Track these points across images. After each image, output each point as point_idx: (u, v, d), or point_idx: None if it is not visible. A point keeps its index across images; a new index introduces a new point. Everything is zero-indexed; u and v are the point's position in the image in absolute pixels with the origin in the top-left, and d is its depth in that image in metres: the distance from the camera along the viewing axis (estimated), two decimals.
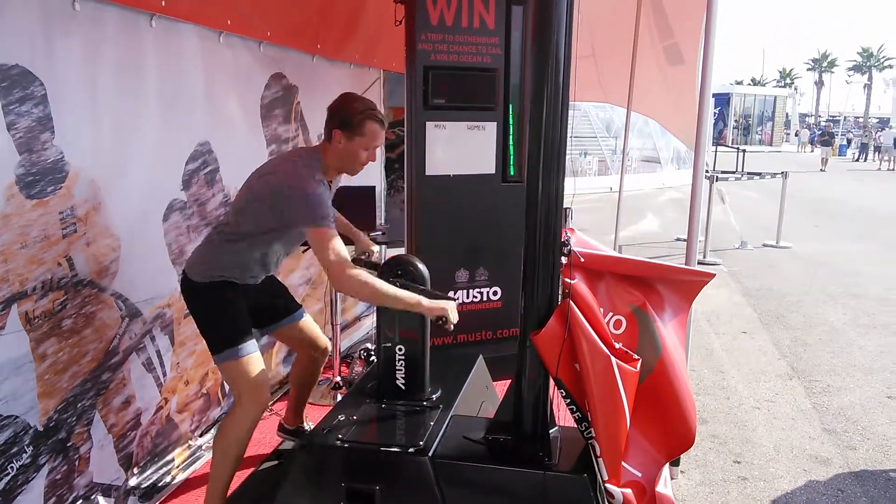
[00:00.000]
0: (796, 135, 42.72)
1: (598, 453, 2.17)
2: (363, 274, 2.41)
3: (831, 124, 33.59)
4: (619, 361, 2.12)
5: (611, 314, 2.31)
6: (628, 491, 2.15)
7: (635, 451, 2.23)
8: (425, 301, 2.45)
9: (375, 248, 3.18)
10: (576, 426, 2.25)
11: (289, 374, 3.47)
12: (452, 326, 2.47)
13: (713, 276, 2.44)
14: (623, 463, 2.18)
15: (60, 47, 2.41)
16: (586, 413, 2.20)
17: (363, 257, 3.09)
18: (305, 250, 2.42)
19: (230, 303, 2.62)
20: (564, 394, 2.24)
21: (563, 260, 2.26)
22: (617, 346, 2.20)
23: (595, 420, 2.15)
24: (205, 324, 2.65)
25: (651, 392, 2.25)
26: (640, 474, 2.22)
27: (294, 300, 2.99)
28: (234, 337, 2.57)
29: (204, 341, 2.65)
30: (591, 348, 2.13)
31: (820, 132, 31.14)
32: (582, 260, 2.25)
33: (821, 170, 25.21)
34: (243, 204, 2.60)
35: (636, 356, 2.19)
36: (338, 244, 2.39)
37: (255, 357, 2.60)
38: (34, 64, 2.29)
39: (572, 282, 2.23)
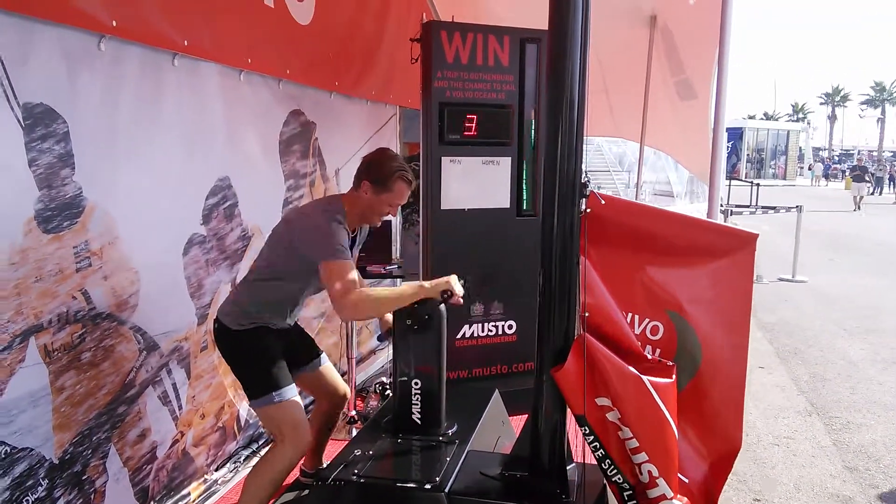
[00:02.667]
0: (810, 168, 42.67)
1: (635, 482, 2.12)
2: (362, 291, 2.43)
3: (863, 158, 29.27)
4: (650, 379, 2.06)
5: (647, 321, 2.24)
6: (685, 500, 2.12)
7: (680, 457, 2.17)
8: (426, 284, 2.50)
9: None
10: (593, 463, 2.23)
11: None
12: (461, 299, 2.49)
13: (757, 236, 2.24)
14: None
15: (84, 85, 2.46)
16: (609, 452, 2.16)
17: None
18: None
19: (268, 347, 2.66)
20: (587, 431, 2.18)
21: (583, 204, 2.18)
22: (650, 355, 2.16)
23: (643, 442, 2.09)
24: (244, 370, 2.68)
25: (692, 397, 2.20)
26: (686, 480, 2.19)
27: (316, 346, 3.01)
28: (274, 382, 2.60)
29: (222, 378, 2.67)
30: (618, 373, 2.08)
31: (851, 167, 27.04)
32: (602, 202, 2.18)
33: (855, 209, 22.24)
34: (270, 249, 2.71)
35: (671, 363, 2.13)
36: (347, 273, 2.41)
37: (296, 401, 2.64)
38: (57, 102, 2.35)
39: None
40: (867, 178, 26.27)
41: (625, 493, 2.17)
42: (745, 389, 2.23)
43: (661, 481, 2.10)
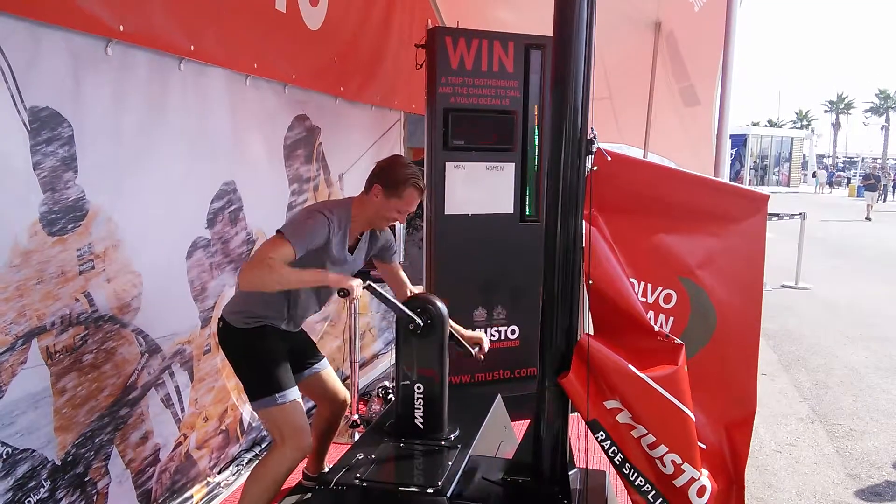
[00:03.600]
0: (814, 175, 42.61)
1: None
2: (266, 265, 2.35)
3: (877, 166, 26.66)
4: (653, 375, 2.03)
5: (660, 289, 2.21)
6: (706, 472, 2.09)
7: (698, 424, 2.14)
8: (329, 274, 2.45)
9: (486, 343, 3.06)
10: (595, 469, 2.23)
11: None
12: (356, 300, 2.43)
13: (768, 197, 2.23)
14: None
15: (90, 90, 2.48)
16: (627, 454, 2.11)
17: (473, 351, 2.98)
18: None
19: (272, 348, 2.66)
20: (603, 436, 2.12)
21: (589, 160, 2.15)
22: (663, 325, 2.14)
23: (660, 435, 2.06)
24: (246, 369, 2.67)
25: (707, 363, 2.17)
26: (704, 447, 2.16)
27: (317, 350, 3.01)
28: (277, 383, 2.60)
29: (225, 381, 2.67)
30: (621, 375, 2.06)
31: (864, 176, 25.24)
32: (608, 158, 2.15)
33: (866, 218, 21.30)
34: None
35: (678, 341, 2.09)
36: (274, 249, 2.37)
37: (298, 403, 2.63)
38: (63, 106, 2.36)
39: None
40: (878, 188, 25.02)
41: (650, 497, 2.12)
42: (758, 352, 2.24)
43: (686, 467, 2.06)
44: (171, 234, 3.00)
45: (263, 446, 3.71)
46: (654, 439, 2.07)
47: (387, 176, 2.63)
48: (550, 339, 2.26)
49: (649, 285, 2.20)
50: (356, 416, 4.06)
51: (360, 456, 2.54)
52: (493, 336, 4.26)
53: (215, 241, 3.28)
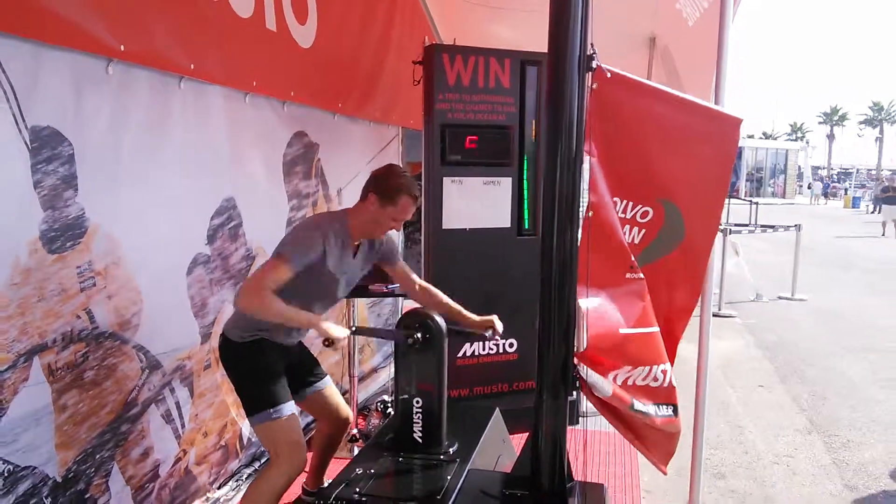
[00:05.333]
0: (809, 187, 42.77)
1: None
2: (269, 293, 2.41)
3: (895, 178, 24.75)
4: (636, 327, 2.38)
5: (639, 206, 2.44)
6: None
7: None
8: (320, 322, 2.47)
9: (498, 325, 3.00)
10: (594, 482, 2.26)
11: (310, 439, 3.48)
12: (339, 345, 2.56)
13: (741, 120, 2.51)
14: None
15: (91, 109, 2.51)
16: (646, 399, 2.43)
17: (487, 335, 2.98)
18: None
19: (268, 363, 2.67)
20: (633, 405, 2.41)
21: (589, 77, 2.24)
22: (636, 237, 2.44)
23: (648, 361, 2.42)
24: (242, 384, 2.68)
25: (667, 268, 2.50)
26: (657, 328, 2.47)
27: (320, 367, 3.01)
28: (272, 398, 2.61)
29: (225, 396, 2.67)
30: (616, 345, 2.41)
31: (883, 188, 22.68)
32: (608, 75, 2.27)
33: (883, 235, 19.66)
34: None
35: (640, 276, 2.40)
36: (273, 271, 2.44)
37: (293, 418, 2.63)
38: (64, 125, 2.39)
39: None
40: None
41: (664, 412, 2.45)
42: (709, 259, 2.63)
43: (666, 366, 2.41)
44: (172, 251, 3.02)
45: (262, 461, 3.71)
46: (648, 369, 2.38)
47: (381, 184, 2.66)
48: (548, 353, 2.28)
49: (630, 203, 2.44)
50: (355, 431, 4.07)
51: (359, 471, 2.55)
52: (492, 349, 4.27)
53: (215, 258, 3.30)
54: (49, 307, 2.38)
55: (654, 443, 2.54)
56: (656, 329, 2.42)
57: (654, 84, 2.57)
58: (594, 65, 2.22)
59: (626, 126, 2.38)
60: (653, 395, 2.44)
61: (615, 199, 2.41)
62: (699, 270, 2.63)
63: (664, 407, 2.45)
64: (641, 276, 2.39)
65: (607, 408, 2.44)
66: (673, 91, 2.44)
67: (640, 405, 2.41)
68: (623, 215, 2.45)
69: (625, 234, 2.45)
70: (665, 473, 2.71)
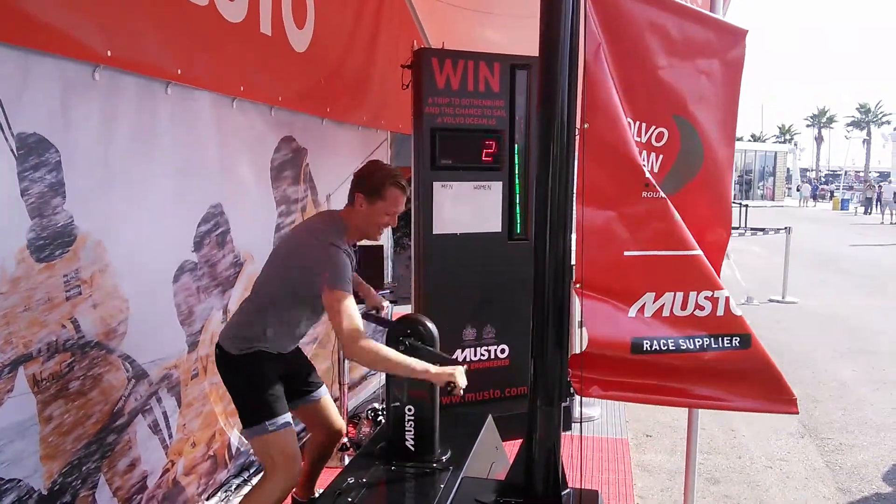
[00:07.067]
0: (798, 189, 43.03)
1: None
2: (373, 344, 2.44)
3: None
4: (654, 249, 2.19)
5: (653, 128, 2.30)
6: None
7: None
8: (433, 369, 2.46)
9: (385, 303, 3.20)
10: (588, 489, 2.23)
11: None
12: (462, 391, 2.47)
13: (746, 31, 2.39)
14: None
15: (78, 115, 2.47)
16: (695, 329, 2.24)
17: (372, 313, 3.11)
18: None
19: (264, 374, 2.64)
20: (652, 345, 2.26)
21: None
22: (654, 163, 2.27)
23: (685, 286, 2.23)
24: (239, 396, 2.66)
25: (692, 195, 2.33)
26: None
27: (316, 377, 2.99)
28: (268, 409, 2.58)
29: (213, 406, 2.64)
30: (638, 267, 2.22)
31: None
32: None
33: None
34: (270, 272, 2.69)
35: (663, 195, 2.19)
36: (352, 310, 2.43)
37: (289, 429, 2.61)
38: (51, 132, 2.35)
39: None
40: None
41: (715, 343, 2.27)
42: (731, 187, 2.48)
43: (717, 294, 2.22)
44: (158, 258, 2.98)
45: (252, 471, 3.67)
46: (683, 294, 2.21)
47: (366, 183, 2.64)
48: (542, 358, 2.26)
49: (643, 124, 2.28)
50: (345, 440, 4.03)
51: (350, 480, 2.52)
52: (483, 355, 4.25)
53: (202, 265, 3.26)
54: (34, 316, 2.34)
55: (739, 385, 2.43)
56: (689, 252, 2.21)
57: None
58: None
59: (635, 39, 2.25)
60: (702, 326, 2.25)
61: (628, 120, 2.24)
62: (724, 196, 2.44)
63: (723, 339, 2.27)
64: (662, 194, 2.19)
65: (623, 384, 2.32)
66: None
67: (671, 341, 2.24)
68: (638, 138, 2.29)
69: (643, 161, 2.28)
70: (796, 412, 2.63)
